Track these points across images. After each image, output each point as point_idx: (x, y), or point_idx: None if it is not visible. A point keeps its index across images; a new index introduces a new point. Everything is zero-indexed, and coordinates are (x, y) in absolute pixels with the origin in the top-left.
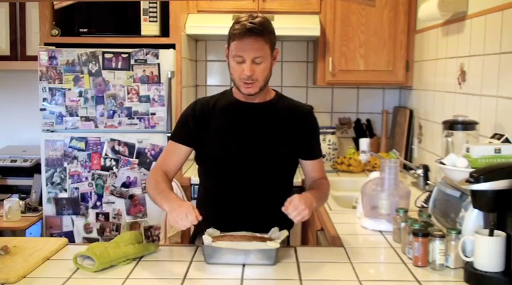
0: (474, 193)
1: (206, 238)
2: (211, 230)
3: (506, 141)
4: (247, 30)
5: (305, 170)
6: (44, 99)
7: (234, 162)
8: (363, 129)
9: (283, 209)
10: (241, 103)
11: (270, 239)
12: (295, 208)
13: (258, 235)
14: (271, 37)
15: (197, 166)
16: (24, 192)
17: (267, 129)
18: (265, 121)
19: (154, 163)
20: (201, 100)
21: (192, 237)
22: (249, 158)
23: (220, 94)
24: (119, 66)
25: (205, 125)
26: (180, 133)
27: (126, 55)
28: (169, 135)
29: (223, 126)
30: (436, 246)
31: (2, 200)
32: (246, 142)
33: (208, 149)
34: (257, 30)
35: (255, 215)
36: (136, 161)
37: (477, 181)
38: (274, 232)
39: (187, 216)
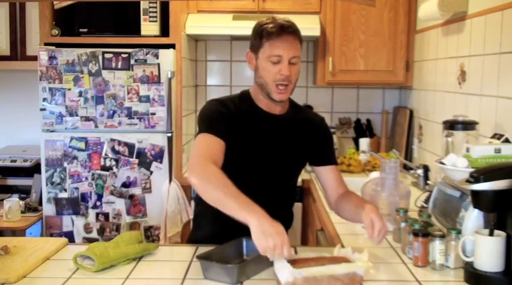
0: (474, 193)
1: (287, 266)
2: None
3: (506, 141)
4: (286, 27)
5: (325, 182)
6: (44, 99)
7: (252, 170)
8: (363, 129)
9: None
10: (265, 113)
11: (346, 260)
12: (379, 232)
13: (326, 255)
14: (301, 38)
15: None
16: (24, 192)
17: (284, 140)
18: (284, 133)
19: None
20: (224, 101)
21: (190, 237)
22: (267, 168)
23: (236, 98)
24: (119, 66)
25: (232, 128)
26: (218, 127)
27: (126, 55)
28: (169, 135)
29: (245, 132)
30: (436, 246)
31: (2, 200)
32: (267, 152)
33: (228, 154)
34: (294, 28)
35: None
36: (136, 161)
37: (477, 181)
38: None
39: (282, 249)
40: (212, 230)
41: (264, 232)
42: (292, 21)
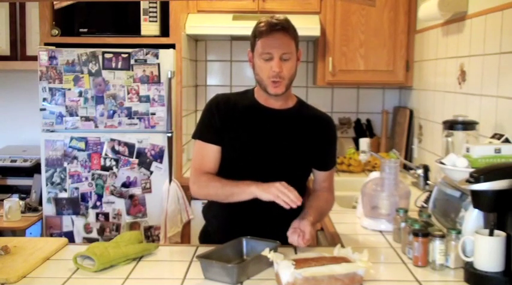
0: (474, 193)
1: (287, 266)
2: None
3: (506, 141)
4: (274, 25)
5: (316, 177)
6: (44, 99)
7: (249, 166)
8: (363, 129)
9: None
10: (262, 107)
11: (346, 260)
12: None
13: (326, 255)
14: (295, 34)
15: None
16: (24, 192)
17: (284, 136)
18: (284, 129)
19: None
20: (222, 97)
21: (202, 235)
22: (264, 163)
23: (241, 93)
24: (119, 66)
25: (227, 124)
26: (208, 132)
27: (126, 55)
28: (169, 135)
29: (241, 128)
30: (436, 246)
31: (2, 200)
32: (263, 147)
33: (224, 150)
34: (283, 25)
35: (267, 218)
36: (136, 161)
37: (477, 181)
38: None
39: (287, 188)
40: (224, 218)
41: (265, 187)
42: (286, 19)
